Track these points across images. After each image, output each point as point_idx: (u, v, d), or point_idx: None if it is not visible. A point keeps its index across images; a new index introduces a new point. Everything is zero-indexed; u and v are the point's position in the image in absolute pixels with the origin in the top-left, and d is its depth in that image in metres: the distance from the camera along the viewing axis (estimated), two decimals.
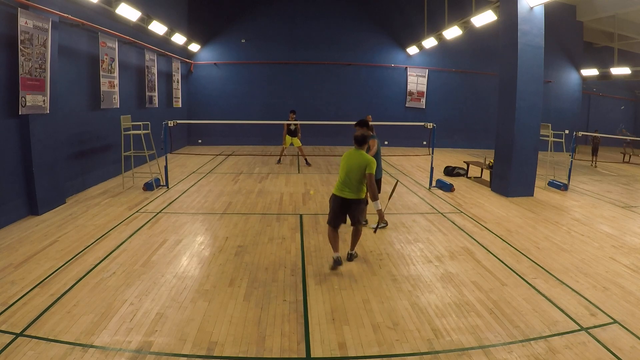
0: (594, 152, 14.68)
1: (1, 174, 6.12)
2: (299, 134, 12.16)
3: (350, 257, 5.06)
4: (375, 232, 5.59)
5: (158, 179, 9.17)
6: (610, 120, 20.97)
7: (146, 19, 11.15)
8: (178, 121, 9.27)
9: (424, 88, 17.98)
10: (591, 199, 9.08)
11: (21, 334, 3.38)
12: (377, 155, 6.28)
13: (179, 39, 14.18)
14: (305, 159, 12.45)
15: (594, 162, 14.58)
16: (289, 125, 12.01)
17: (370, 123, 6.46)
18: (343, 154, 4.90)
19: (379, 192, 6.52)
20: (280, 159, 12.60)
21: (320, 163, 12.92)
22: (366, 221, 6.58)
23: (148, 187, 8.69)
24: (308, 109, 16.33)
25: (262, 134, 16.77)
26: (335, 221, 4.85)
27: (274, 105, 16.72)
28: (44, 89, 6.78)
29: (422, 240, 6.01)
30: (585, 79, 19.37)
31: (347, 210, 4.80)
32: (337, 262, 4.80)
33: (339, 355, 3.29)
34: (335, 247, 4.85)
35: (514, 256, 5.46)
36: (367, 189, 4.72)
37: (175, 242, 5.71)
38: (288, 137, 12.11)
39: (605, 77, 18.55)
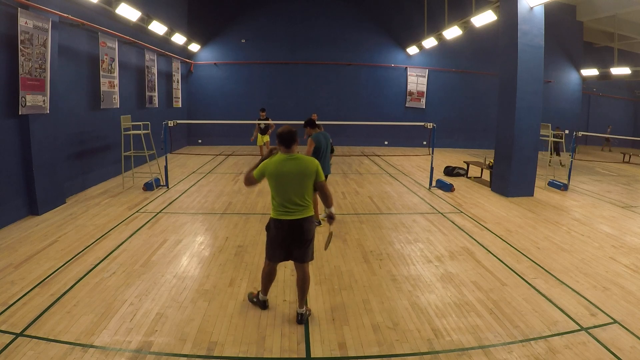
0: (555, 151, 13.19)
1: (1, 174, 6.12)
2: (270, 132, 11.86)
3: (302, 319, 3.71)
4: (326, 248, 3.98)
5: (158, 179, 9.17)
6: (611, 121, 21.00)
7: (146, 19, 11.16)
8: (178, 121, 9.27)
9: (424, 88, 17.99)
10: (591, 199, 9.08)
11: (21, 334, 3.38)
12: (320, 153, 6.26)
13: (179, 39, 14.19)
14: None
15: (559, 161, 13.38)
16: (259, 123, 11.78)
17: (318, 122, 6.45)
18: (265, 164, 3.59)
19: None
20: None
21: None
22: (319, 222, 6.48)
23: (148, 187, 8.69)
24: (308, 108, 16.28)
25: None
26: (279, 254, 3.70)
27: (274, 105, 16.70)
28: (44, 89, 6.78)
29: (422, 240, 6.01)
30: (585, 79, 19.38)
31: (296, 235, 3.60)
32: (264, 305, 3.92)
33: (339, 355, 3.28)
34: (267, 288, 3.92)
35: (514, 256, 5.46)
36: (322, 198, 3.76)
37: (175, 242, 5.71)
38: (260, 136, 11.90)
39: (605, 77, 18.56)
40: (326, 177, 6.49)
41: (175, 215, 6.99)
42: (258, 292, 4.00)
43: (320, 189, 3.68)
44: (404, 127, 17.34)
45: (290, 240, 3.62)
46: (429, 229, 6.55)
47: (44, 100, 6.79)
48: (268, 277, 3.86)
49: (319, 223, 6.57)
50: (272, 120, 11.96)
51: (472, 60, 17.70)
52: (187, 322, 3.67)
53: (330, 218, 3.86)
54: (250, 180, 3.66)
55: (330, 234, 3.92)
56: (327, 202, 3.77)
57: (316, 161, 3.67)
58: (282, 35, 17.07)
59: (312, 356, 3.27)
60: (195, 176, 10.50)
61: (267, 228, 3.72)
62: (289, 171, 3.50)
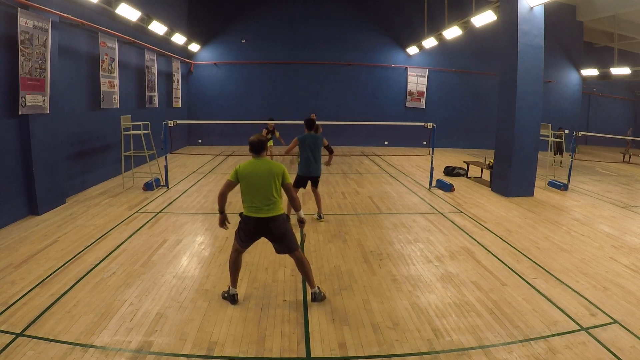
0: (558, 151, 13.52)
1: (1, 174, 6.12)
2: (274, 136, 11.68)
3: (315, 297, 4.05)
4: (303, 239, 4.26)
5: (158, 179, 9.17)
6: (611, 120, 20.99)
7: (146, 19, 11.15)
8: (178, 121, 9.27)
9: (424, 88, 17.99)
10: (591, 199, 9.08)
11: (21, 334, 3.38)
12: (304, 153, 6.42)
13: (179, 39, 14.19)
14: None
15: (560, 161, 13.45)
16: (265, 132, 11.65)
17: (317, 122, 6.81)
18: (237, 166, 3.90)
19: (316, 187, 6.68)
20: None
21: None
22: (320, 215, 6.78)
23: (148, 187, 8.69)
24: (308, 108, 16.30)
25: None
26: (248, 243, 3.99)
27: (274, 105, 16.74)
28: (44, 89, 6.78)
29: (422, 240, 6.01)
30: (585, 79, 19.38)
31: (265, 233, 3.91)
32: (234, 299, 4.03)
33: (339, 355, 3.28)
34: (235, 279, 4.07)
35: (514, 256, 5.46)
36: (289, 200, 4.01)
37: (175, 242, 5.71)
38: None
39: (605, 77, 18.55)
40: (317, 178, 6.59)
41: (175, 215, 6.99)
42: (229, 286, 4.10)
43: (287, 190, 3.94)
44: (404, 127, 17.34)
45: (258, 236, 3.95)
46: (429, 229, 6.55)
47: (44, 100, 6.79)
48: (235, 265, 4.04)
49: (320, 217, 6.80)
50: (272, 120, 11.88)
51: (472, 60, 17.68)
52: (187, 322, 3.67)
53: (301, 222, 4.16)
54: (227, 186, 3.90)
55: (304, 236, 4.19)
56: (295, 205, 4.05)
57: (282, 165, 3.94)
58: (282, 35, 17.07)
59: (312, 356, 3.27)
60: (195, 176, 10.50)
61: (240, 226, 3.98)
62: (259, 170, 3.84)
